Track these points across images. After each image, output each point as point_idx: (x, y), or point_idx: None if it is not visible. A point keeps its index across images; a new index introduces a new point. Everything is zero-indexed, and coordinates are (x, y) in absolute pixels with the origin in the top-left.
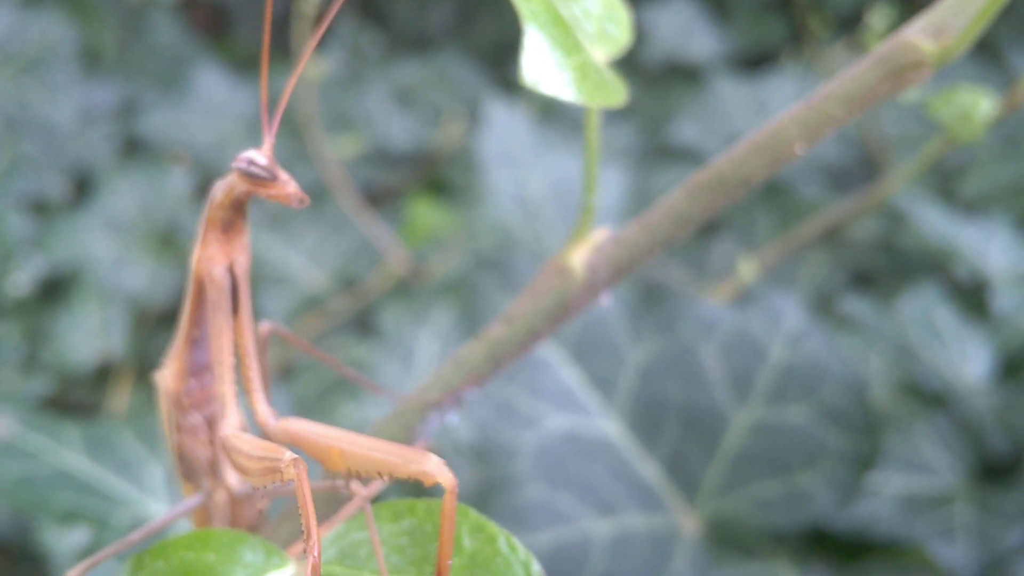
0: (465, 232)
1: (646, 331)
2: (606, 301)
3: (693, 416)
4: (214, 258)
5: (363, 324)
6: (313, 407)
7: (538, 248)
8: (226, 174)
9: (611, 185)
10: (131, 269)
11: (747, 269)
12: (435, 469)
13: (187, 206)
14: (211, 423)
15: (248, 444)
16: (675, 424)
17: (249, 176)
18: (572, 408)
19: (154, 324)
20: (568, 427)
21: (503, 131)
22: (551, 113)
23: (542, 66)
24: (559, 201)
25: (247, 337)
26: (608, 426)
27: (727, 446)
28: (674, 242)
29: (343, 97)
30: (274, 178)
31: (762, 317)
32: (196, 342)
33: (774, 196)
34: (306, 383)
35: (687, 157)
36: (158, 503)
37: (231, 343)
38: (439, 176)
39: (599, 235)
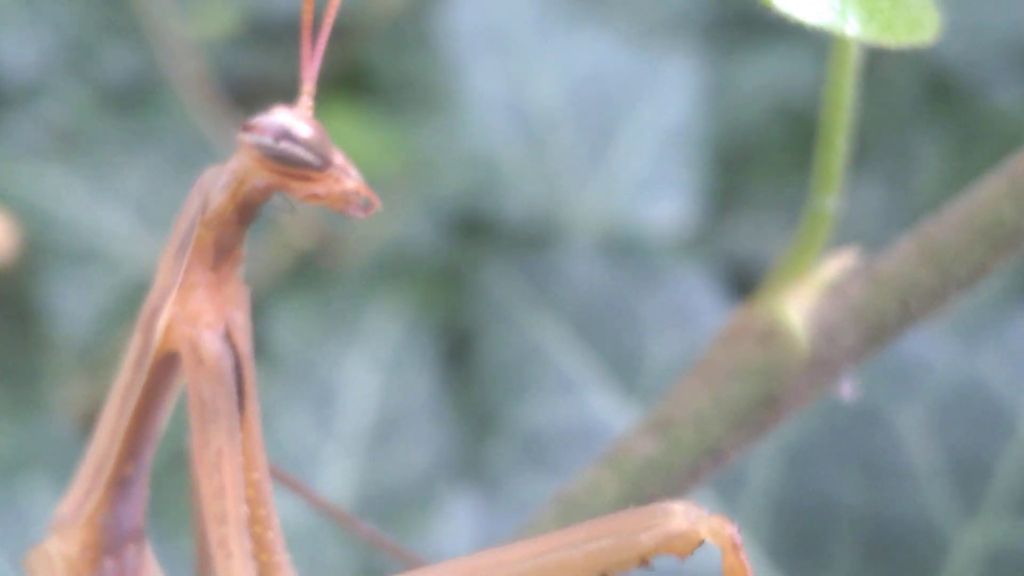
0: (418, 167)
1: None
2: (849, 391)
3: (883, 534)
4: (201, 317)
5: None
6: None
7: (549, 201)
8: (226, 155)
9: (664, 91)
10: None
11: None
12: (691, 521)
13: None
14: None
15: None
16: (850, 548)
17: (282, 161)
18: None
19: None
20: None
21: None
22: None
23: None
24: (585, 117)
25: (260, 464)
26: None
27: None
28: (985, 274)
29: None
30: (325, 164)
31: (1004, 355)
32: (126, 485)
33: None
34: None
35: (789, 29)
36: None
37: (239, 477)
38: (365, 64)
39: (836, 264)
